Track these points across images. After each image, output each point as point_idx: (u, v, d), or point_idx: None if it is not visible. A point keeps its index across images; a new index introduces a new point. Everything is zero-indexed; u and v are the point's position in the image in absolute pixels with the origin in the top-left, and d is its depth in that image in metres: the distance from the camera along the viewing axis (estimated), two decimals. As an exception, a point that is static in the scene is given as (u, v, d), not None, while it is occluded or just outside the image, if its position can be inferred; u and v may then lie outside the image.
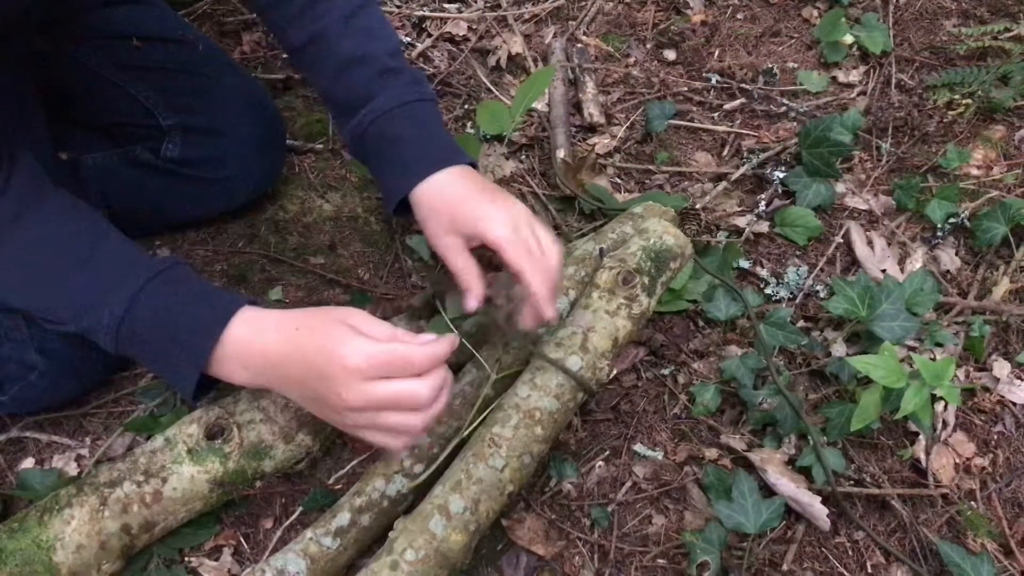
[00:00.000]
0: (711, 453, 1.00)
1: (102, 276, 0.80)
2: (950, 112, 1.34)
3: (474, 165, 0.93)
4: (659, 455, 1.00)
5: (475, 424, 0.90)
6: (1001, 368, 1.09)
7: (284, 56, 1.33)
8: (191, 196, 1.10)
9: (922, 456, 1.01)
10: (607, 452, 1.00)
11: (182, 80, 1.08)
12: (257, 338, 0.78)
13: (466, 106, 1.31)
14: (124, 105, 1.07)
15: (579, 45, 1.41)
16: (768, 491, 0.96)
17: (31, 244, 0.80)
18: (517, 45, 1.39)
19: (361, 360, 0.74)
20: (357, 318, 0.78)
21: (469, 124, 1.29)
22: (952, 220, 1.20)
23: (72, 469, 0.95)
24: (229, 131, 1.08)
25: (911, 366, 0.98)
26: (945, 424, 1.04)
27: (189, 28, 1.14)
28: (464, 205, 0.87)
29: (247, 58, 1.34)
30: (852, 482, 0.99)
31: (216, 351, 0.78)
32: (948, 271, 1.18)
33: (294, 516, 0.93)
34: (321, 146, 1.25)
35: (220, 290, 0.85)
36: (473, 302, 0.87)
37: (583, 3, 1.46)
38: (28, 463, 0.96)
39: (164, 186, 1.09)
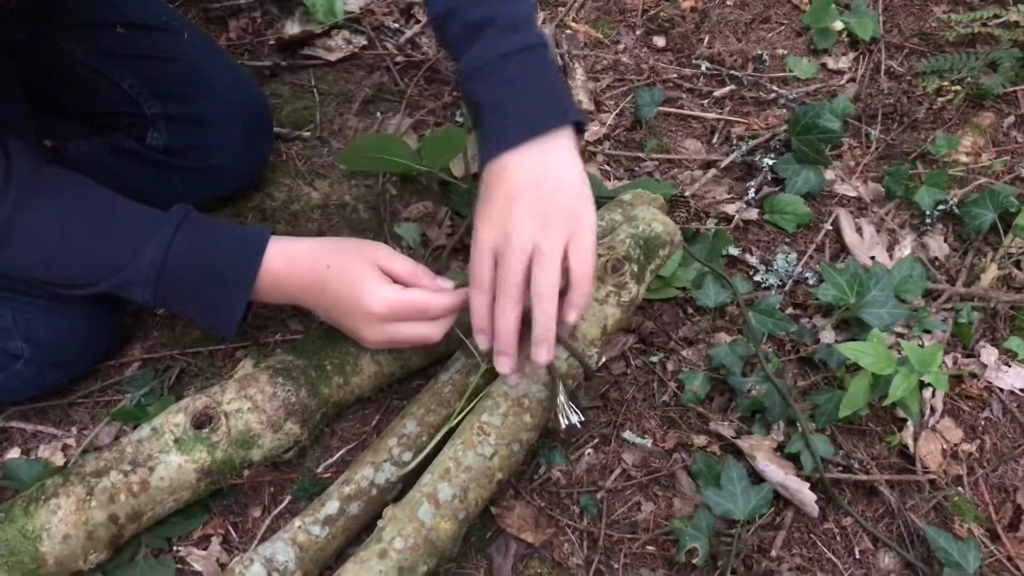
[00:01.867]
0: (700, 440, 1.00)
1: (132, 230, 0.85)
2: (939, 99, 1.34)
3: (580, 126, 0.85)
4: (648, 442, 1.00)
5: (464, 413, 0.90)
6: (989, 354, 1.09)
7: (271, 43, 1.32)
8: (177, 185, 1.09)
9: (910, 442, 1.01)
10: (596, 440, 1.00)
11: (167, 68, 1.07)
12: (292, 271, 0.87)
13: (455, 93, 1.30)
14: (108, 93, 1.06)
15: (568, 31, 1.41)
16: (757, 478, 0.96)
17: (49, 217, 0.83)
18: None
19: (383, 307, 0.85)
20: (383, 255, 0.87)
21: (457, 112, 1.29)
22: (941, 207, 1.21)
23: (58, 459, 0.94)
24: (215, 119, 1.07)
25: (899, 353, 0.99)
26: (933, 410, 1.05)
27: (174, 15, 1.13)
28: (480, 211, 0.82)
29: (233, 45, 1.33)
30: (840, 468, 0.99)
31: (256, 284, 0.86)
32: (936, 258, 1.18)
33: (283, 505, 0.93)
34: (308, 133, 1.24)
35: (241, 226, 0.92)
36: (484, 343, 0.86)
37: (572, -11, 1.46)
38: (14, 453, 0.95)
39: (149, 175, 1.08)
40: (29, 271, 0.86)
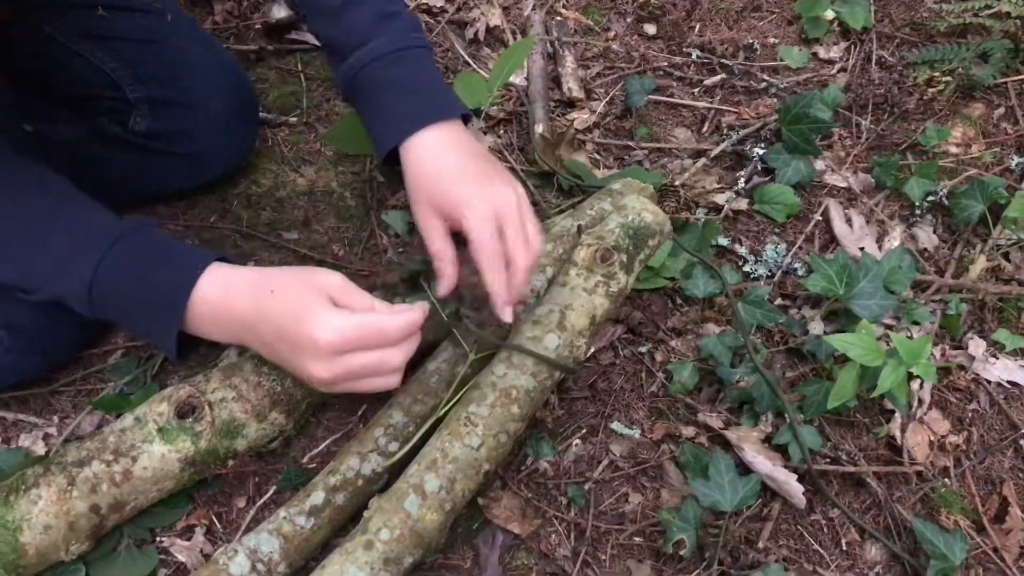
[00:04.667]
0: (688, 431, 1.00)
1: (68, 243, 0.80)
2: (930, 89, 1.33)
3: (467, 118, 0.90)
4: (636, 433, 1.00)
5: (451, 403, 0.89)
6: (976, 346, 1.09)
7: (257, 27, 1.30)
8: (160, 170, 1.07)
9: (897, 434, 1.01)
10: (584, 430, 1.00)
11: (149, 51, 1.05)
12: (230, 299, 0.79)
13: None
14: (90, 76, 1.04)
15: (558, 18, 1.39)
16: (744, 469, 0.96)
17: None
18: (495, 17, 1.37)
19: (334, 335, 0.75)
20: (335, 285, 0.78)
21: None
22: (930, 198, 1.20)
23: (39, 448, 0.93)
24: (199, 104, 1.05)
25: (888, 344, 0.98)
26: (921, 402, 1.05)
27: (157, -2, 1.11)
28: (449, 184, 0.84)
29: (219, 28, 1.31)
30: (828, 460, 0.99)
31: (188, 311, 0.79)
32: (926, 249, 1.18)
33: (267, 495, 0.92)
34: (295, 119, 1.22)
35: (188, 248, 0.85)
36: (443, 290, 0.86)
37: (563, -25, 1.44)
38: (-6, 442, 0.94)
39: (132, 160, 1.06)
40: None
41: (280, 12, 1.30)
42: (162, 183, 1.09)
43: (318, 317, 0.75)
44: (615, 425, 1.00)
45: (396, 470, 0.87)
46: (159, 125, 1.05)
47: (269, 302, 0.77)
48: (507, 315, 0.84)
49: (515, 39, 1.36)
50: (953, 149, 1.28)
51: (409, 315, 0.78)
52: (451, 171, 0.85)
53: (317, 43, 1.30)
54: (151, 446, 0.85)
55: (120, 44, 1.03)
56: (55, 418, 0.96)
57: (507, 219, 0.83)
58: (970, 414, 1.05)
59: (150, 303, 0.80)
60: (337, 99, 1.25)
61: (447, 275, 0.86)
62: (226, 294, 0.79)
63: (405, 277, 0.94)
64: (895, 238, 1.18)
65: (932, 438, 1.03)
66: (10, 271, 0.82)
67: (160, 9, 1.07)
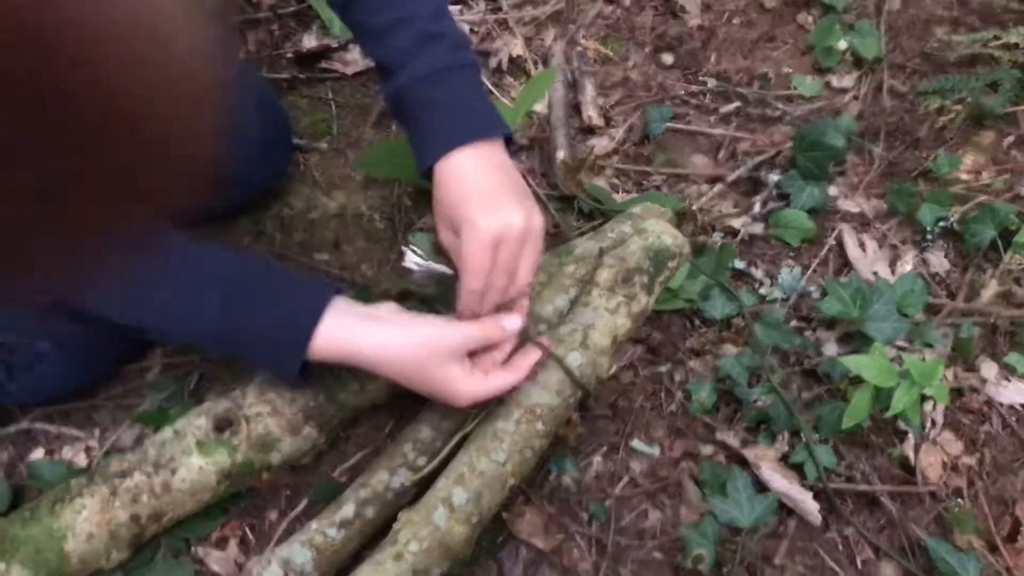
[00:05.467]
0: (707, 450, 1.03)
1: (193, 285, 0.84)
2: (941, 118, 1.36)
3: (509, 138, 0.91)
4: (656, 451, 1.03)
5: (478, 419, 0.92)
6: (989, 369, 1.12)
7: (289, 56, 1.35)
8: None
9: (911, 454, 1.04)
10: (605, 448, 1.03)
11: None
12: (352, 340, 0.84)
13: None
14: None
15: (579, 48, 1.44)
16: (761, 487, 0.99)
17: (121, 269, 0.83)
18: (518, 48, 1.41)
19: (470, 401, 0.86)
20: (460, 346, 0.85)
21: (470, 125, 1.31)
22: (942, 223, 1.23)
23: (81, 460, 0.97)
24: (236, 131, 1.09)
25: (901, 366, 1.01)
26: (934, 423, 1.07)
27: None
28: (460, 204, 0.85)
29: (252, 57, 1.36)
30: (843, 479, 1.02)
31: (310, 349, 0.83)
32: (938, 273, 1.21)
33: (300, 508, 0.95)
34: (326, 145, 1.27)
35: (307, 283, 0.89)
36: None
37: (583, 7, 1.48)
38: (38, 454, 0.98)
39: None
40: (100, 315, 0.87)
41: (311, 42, 1.35)
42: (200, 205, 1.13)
43: (455, 390, 0.84)
44: (635, 443, 1.03)
45: (424, 484, 0.90)
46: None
47: (399, 366, 0.85)
48: (463, 320, 0.87)
49: (537, 69, 1.40)
50: (964, 176, 1.31)
51: (528, 360, 0.88)
52: (467, 191, 0.86)
53: (347, 71, 1.34)
54: (189, 459, 0.89)
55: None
56: (96, 431, 1.00)
57: (505, 243, 0.84)
58: (983, 436, 1.07)
59: (275, 342, 0.84)
60: (366, 125, 1.29)
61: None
62: (348, 336, 0.84)
63: (394, 294, 0.96)
64: (908, 263, 1.21)
65: (945, 459, 1.05)
66: (134, 314, 0.86)
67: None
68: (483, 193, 0.85)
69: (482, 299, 0.85)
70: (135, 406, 1.01)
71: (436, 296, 0.98)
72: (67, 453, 0.97)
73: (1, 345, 0.94)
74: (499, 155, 0.89)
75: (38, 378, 0.95)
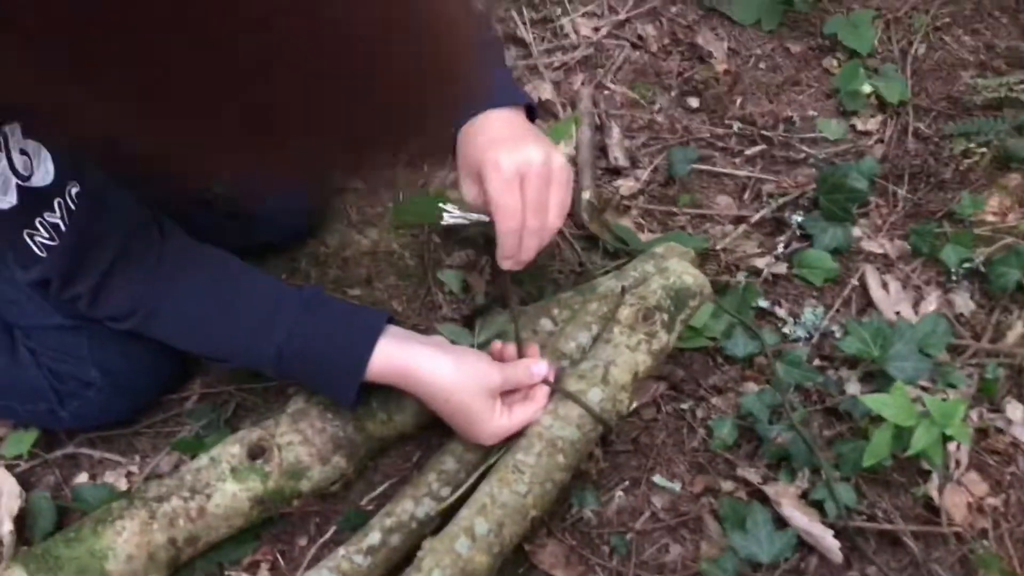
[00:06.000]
0: (727, 485, 1.04)
1: (257, 315, 0.91)
2: (966, 160, 1.38)
3: (531, 107, 0.95)
4: (677, 486, 1.04)
5: (501, 452, 0.95)
6: (1014, 410, 1.12)
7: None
8: (238, 230, 1.16)
9: (935, 494, 1.04)
10: (627, 482, 1.04)
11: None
12: (405, 366, 0.91)
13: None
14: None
15: (606, 92, 1.48)
16: (782, 523, 1.00)
17: (192, 296, 0.91)
18: (547, 92, 1.46)
19: (496, 439, 0.93)
20: (498, 385, 0.92)
21: (500, 166, 1.36)
22: (967, 265, 1.24)
23: (122, 484, 1.01)
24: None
25: (924, 406, 1.02)
26: (958, 463, 1.07)
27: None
28: (487, 151, 0.88)
29: (292, 101, 1.42)
30: (864, 517, 1.02)
31: (366, 373, 0.90)
32: (962, 314, 1.21)
33: (328, 535, 0.98)
34: (360, 184, 1.31)
35: (360, 312, 0.98)
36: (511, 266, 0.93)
37: (611, 52, 1.53)
38: (82, 478, 1.02)
39: (214, 220, 1.15)
40: (171, 342, 0.94)
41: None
42: (239, 242, 1.18)
43: (486, 424, 0.92)
44: (657, 478, 1.05)
45: (448, 514, 0.92)
46: (240, 189, 1.15)
47: (446, 391, 0.91)
48: (505, 266, 0.92)
49: (565, 112, 1.44)
50: (989, 218, 1.32)
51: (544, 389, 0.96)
52: (490, 139, 0.89)
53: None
54: (224, 485, 0.92)
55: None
56: (137, 457, 1.04)
57: (528, 180, 0.86)
58: (1008, 477, 1.07)
59: (332, 366, 0.91)
60: (399, 165, 1.34)
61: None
62: (403, 357, 0.91)
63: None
64: (931, 303, 1.22)
65: (970, 500, 1.05)
66: (205, 343, 0.94)
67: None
68: (505, 138, 0.89)
69: (520, 243, 0.89)
70: (174, 433, 1.06)
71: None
72: (109, 477, 1.02)
73: (54, 374, 0.99)
74: (521, 118, 0.93)
75: (86, 405, 1.00)
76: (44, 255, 0.83)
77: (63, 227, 0.83)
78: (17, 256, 0.84)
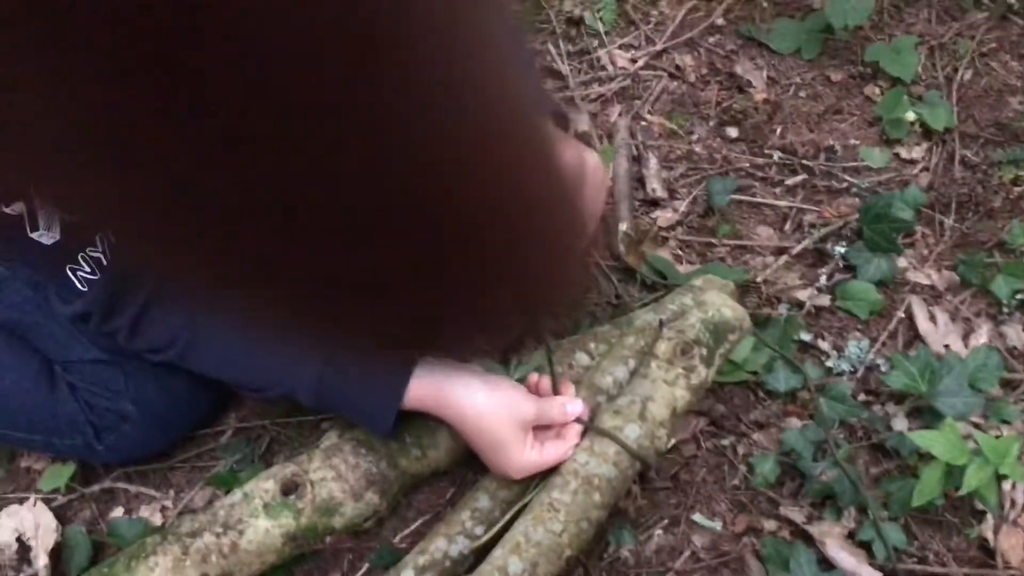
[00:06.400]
0: (770, 524, 1.01)
1: (291, 346, 0.91)
2: (1016, 188, 1.34)
3: (563, 115, 0.98)
4: (718, 525, 1.01)
5: (536, 490, 0.93)
6: (1072, 447, 1.07)
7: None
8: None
9: (989, 535, 1.00)
10: (666, 521, 1.02)
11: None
12: (440, 394, 0.91)
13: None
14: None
15: (643, 123, 1.47)
16: (827, 564, 0.96)
17: (226, 327, 0.91)
18: (583, 124, 1.45)
19: (524, 473, 0.92)
20: (532, 416, 0.92)
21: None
22: (1019, 296, 1.20)
23: (156, 519, 1.01)
24: None
25: (976, 443, 0.98)
26: (1014, 503, 1.03)
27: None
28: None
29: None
30: (915, 559, 0.98)
31: (405, 397, 0.91)
32: (1015, 347, 1.17)
33: (360, 572, 0.97)
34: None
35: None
36: None
37: (648, 83, 1.52)
38: (118, 512, 1.02)
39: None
40: (209, 372, 0.95)
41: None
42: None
43: (516, 456, 0.91)
44: (697, 516, 1.02)
45: (482, 553, 0.91)
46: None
47: (479, 419, 0.91)
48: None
49: (602, 143, 1.43)
50: (1042, 247, 1.28)
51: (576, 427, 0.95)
52: None
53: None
54: (257, 520, 0.92)
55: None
56: (171, 492, 1.04)
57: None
58: (1068, 518, 1.02)
59: (371, 390, 0.91)
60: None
61: None
62: (439, 384, 0.91)
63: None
64: (982, 336, 1.18)
65: (1028, 541, 1.00)
66: (239, 373, 0.94)
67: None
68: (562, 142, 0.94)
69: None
70: (208, 468, 1.06)
71: None
72: (144, 512, 1.02)
73: (91, 408, 1.00)
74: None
75: (122, 439, 1.01)
76: (85, 289, 0.84)
77: (105, 261, 0.84)
78: (59, 290, 0.86)
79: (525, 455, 0.91)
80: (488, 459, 0.94)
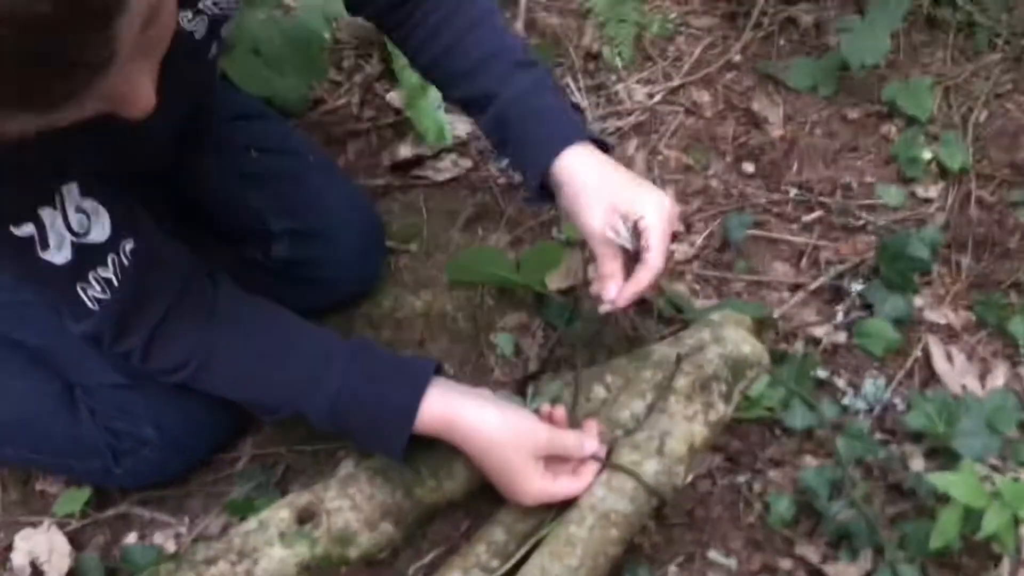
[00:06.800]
0: (785, 563, 1.00)
1: (307, 365, 0.93)
2: (1033, 229, 1.34)
3: (604, 144, 0.98)
4: (733, 563, 1.01)
5: (552, 524, 0.93)
6: (1091, 492, 1.06)
7: (385, 164, 1.44)
8: (295, 293, 1.17)
9: (1007, 580, 0.99)
10: (681, 557, 1.01)
11: (292, 187, 1.18)
12: (452, 418, 0.92)
13: (552, 211, 1.38)
14: (239, 210, 1.16)
15: (660, 157, 1.48)
16: (844, 606, 0.95)
17: (244, 347, 0.94)
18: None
19: (535, 501, 0.92)
20: (544, 442, 0.92)
21: (555, 228, 1.36)
22: (1036, 337, 1.20)
23: (171, 546, 1.01)
24: (334, 236, 1.17)
25: (994, 485, 0.97)
26: (1032, 547, 1.02)
27: (302, 140, 1.25)
28: (625, 187, 0.94)
29: (351, 165, 1.44)
30: (933, 603, 0.97)
31: (415, 425, 0.91)
32: (1033, 389, 1.17)
33: (375, 603, 0.97)
34: (415, 247, 1.33)
35: (407, 362, 0.99)
36: (608, 305, 0.95)
37: (665, 118, 1.53)
38: (131, 538, 1.03)
39: (270, 284, 1.17)
40: (222, 392, 0.96)
41: (406, 151, 1.43)
42: (295, 305, 1.20)
43: (526, 483, 0.91)
44: (712, 554, 1.02)
45: (497, 587, 0.90)
46: (297, 253, 1.17)
47: (489, 445, 0.91)
48: (604, 310, 0.95)
49: (619, 176, 1.44)
50: (1059, 289, 1.28)
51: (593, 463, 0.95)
52: (619, 176, 0.95)
53: (438, 179, 1.41)
54: (272, 549, 0.92)
55: (268, 182, 1.16)
56: (186, 518, 1.04)
57: (668, 219, 0.94)
58: (1086, 563, 1.01)
59: (384, 411, 0.91)
60: (454, 229, 1.35)
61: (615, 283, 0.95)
62: (450, 407, 0.92)
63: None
64: (999, 377, 1.17)
65: (1046, 587, 0.99)
66: (252, 392, 0.95)
67: (305, 151, 1.21)
68: (632, 177, 0.96)
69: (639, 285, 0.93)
70: (224, 494, 1.06)
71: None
72: (158, 538, 1.02)
73: (111, 431, 1.00)
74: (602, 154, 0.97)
75: (141, 463, 1.01)
76: (96, 308, 0.86)
77: (115, 282, 0.85)
78: (70, 309, 0.87)
79: (537, 483, 0.91)
80: (499, 484, 0.94)
